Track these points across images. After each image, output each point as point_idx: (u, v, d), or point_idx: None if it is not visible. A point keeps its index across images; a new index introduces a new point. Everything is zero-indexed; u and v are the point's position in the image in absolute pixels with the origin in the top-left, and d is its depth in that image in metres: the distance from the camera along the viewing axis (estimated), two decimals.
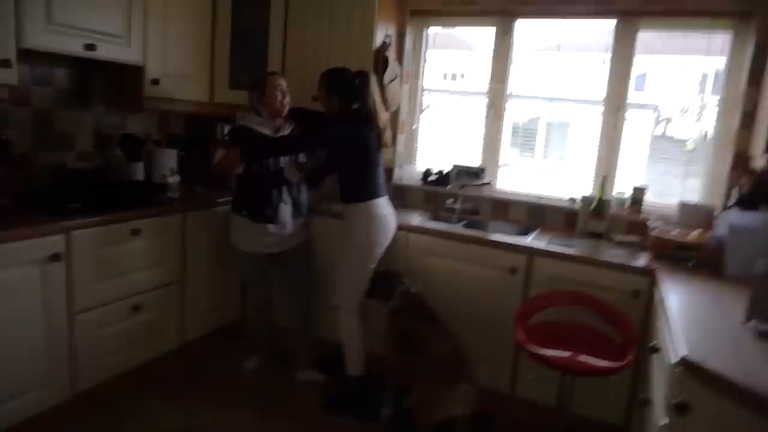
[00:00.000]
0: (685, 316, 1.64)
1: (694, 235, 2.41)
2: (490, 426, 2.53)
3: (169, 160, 3.05)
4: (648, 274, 2.30)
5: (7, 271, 1.97)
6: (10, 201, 2.21)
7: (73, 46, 2.29)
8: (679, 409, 1.34)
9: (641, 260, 2.41)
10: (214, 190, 3.09)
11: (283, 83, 2.65)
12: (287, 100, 2.65)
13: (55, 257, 2.11)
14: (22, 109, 2.48)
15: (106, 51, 2.42)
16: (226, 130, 3.44)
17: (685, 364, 1.33)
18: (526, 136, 3.32)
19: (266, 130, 2.64)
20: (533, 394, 2.58)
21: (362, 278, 2.59)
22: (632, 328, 2.16)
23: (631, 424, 2.37)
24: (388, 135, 2.86)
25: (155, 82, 2.69)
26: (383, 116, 2.67)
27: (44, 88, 2.56)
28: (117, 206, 2.43)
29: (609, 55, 2.90)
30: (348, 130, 2.50)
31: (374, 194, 2.56)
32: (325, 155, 2.69)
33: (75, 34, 2.28)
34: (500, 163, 3.25)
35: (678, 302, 1.78)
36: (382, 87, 2.87)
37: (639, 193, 2.84)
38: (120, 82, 2.75)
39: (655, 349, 1.74)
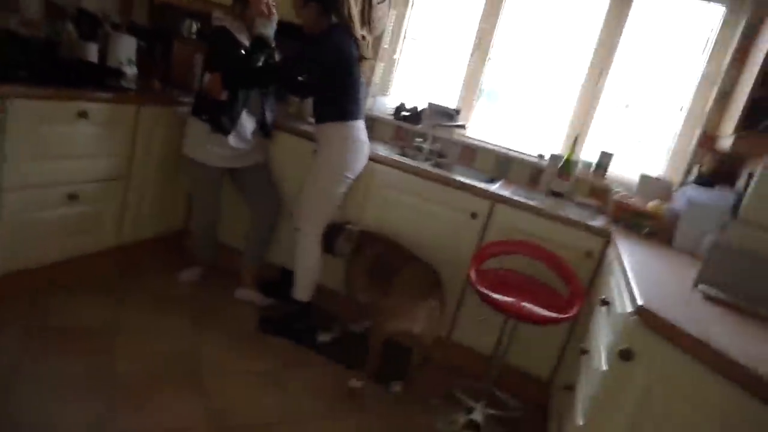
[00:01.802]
0: (639, 274, 1.67)
1: (652, 204, 2.46)
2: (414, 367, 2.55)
3: (127, 48, 2.78)
4: (603, 235, 2.34)
5: None
6: None
7: None
8: (624, 354, 1.37)
9: (599, 222, 2.44)
10: (174, 89, 2.87)
11: None
12: (273, 9, 2.42)
13: None
14: None
15: None
16: (195, 27, 3.21)
17: (641, 312, 1.35)
18: (497, 81, 3.24)
19: (245, 39, 2.45)
20: (469, 341, 2.63)
21: (330, 203, 2.50)
22: (580, 284, 2.21)
23: (556, 377, 2.46)
24: (367, 45, 2.67)
25: None
26: (359, 28, 2.50)
27: None
28: (67, 83, 2.21)
29: (602, 17, 2.86)
30: (333, 48, 2.33)
31: (353, 115, 2.45)
32: (306, 73, 2.49)
33: None
34: (476, 107, 3.19)
35: (633, 262, 1.81)
36: (370, 5, 2.71)
37: (606, 158, 2.87)
38: None
39: (606, 302, 1.78)
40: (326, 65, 2.35)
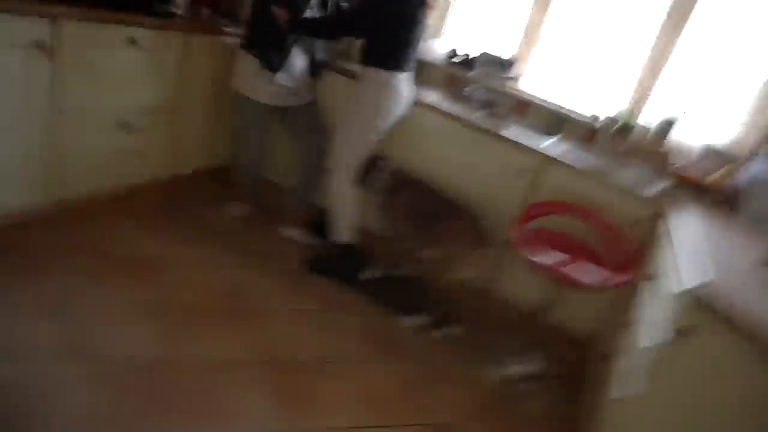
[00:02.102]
0: (698, 248, 1.57)
1: (715, 175, 2.31)
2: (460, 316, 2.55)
3: None
4: (659, 204, 2.22)
5: None
6: None
7: None
8: (677, 333, 1.31)
9: (655, 189, 2.32)
10: (223, 18, 2.79)
11: None
12: None
13: (38, 44, 1.87)
14: None
15: None
16: None
17: (698, 290, 1.28)
18: (556, 33, 3.02)
19: None
20: (511, 295, 2.59)
21: (363, 145, 2.44)
22: (631, 252, 2.13)
23: (594, 341, 2.42)
24: None
25: None
26: None
27: None
28: (114, 6, 2.15)
29: None
30: None
31: (400, 66, 2.34)
32: (362, 9, 2.33)
33: None
34: (532, 59, 3.02)
35: (691, 234, 1.71)
36: None
37: (667, 123, 2.69)
38: None
39: (657, 276, 1.70)
40: (391, 12, 2.24)
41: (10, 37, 1.80)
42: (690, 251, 1.52)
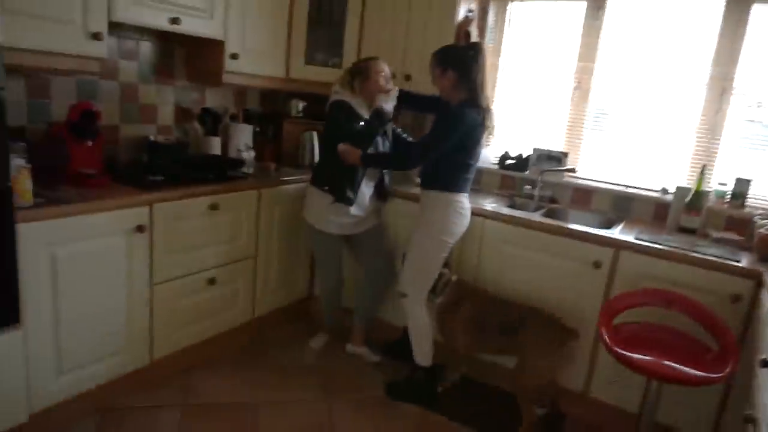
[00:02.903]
0: None
1: None
2: (561, 426, 2.42)
3: (244, 135, 3.07)
4: (752, 276, 2.09)
5: (96, 241, 2.05)
6: (97, 172, 2.27)
7: (160, 20, 2.30)
8: None
9: (744, 261, 2.19)
10: (286, 166, 3.09)
11: (386, 68, 2.57)
12: (391, 84, 2.56)
13: (139, 228, 2.16)
14: (110, 82, 2.54)
15: (189, 25, 2.42)
16: (300, 106, 3.44)
17: None
18: (602, 117, 3.06)
19: (364, 112, 2.56)
20: (609, 397, 2.44)
21: (433, 268, 2.48)
22: (731, 336, 1.98)
23: None
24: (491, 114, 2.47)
25: (234, 56, 2.68)
26: (484, 96, 2.39)
27: (130, 62, 2.61)
28: (196, 180, 2.46)
29: (716, 31, 2.64)
30: (466, 122, 2.30)
31: (463, 188, 2.44)
32: (434, 136, 2.38)
33: (161, 8, 2.29)
34: (583, 146, 3.06)
35: None
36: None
37: (743, 185, 2.59)
38: (200, 56, 2.77)
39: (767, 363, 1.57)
40: (457, 139, 2.31)
41: (120, 224, 2.10)
42: None
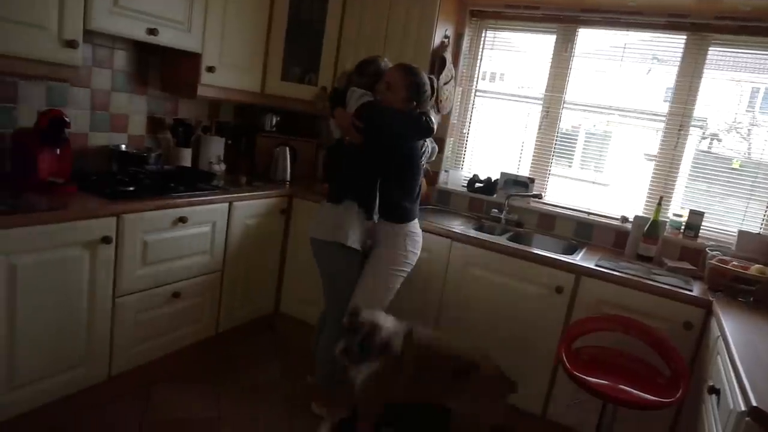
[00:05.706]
0: (751, 358, 1.54)
1: (756, 267, 2.29)
2: None
3: (216, 147, 3.07)
4: (702, 305, 2.20)
5: (58, 251, 1.99)
6: (64, 181, 2.23)
7: (137, 31, 2.30)
8: None
9: (696, 290, 2.30)
10: (257, 180, 3.09)
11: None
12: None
13: (105, 239, 2.13)
14: (82, 89, 2.51)
15: (167, 37, 2.42)
16: (274, 121, 3.45)
17: (756, 415, 1.25)
18: (565, 145, 3.18)
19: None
20: (567, 419, 2.50)
21: (390, 296, 2.42)
22: (683, 362, 2.07)
23: None
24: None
25: (210, 69, 2.69)
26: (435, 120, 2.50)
27: (103, 70, 2.59)
28: (166, 192, 2.44)
29: (675, 69, 2.79)
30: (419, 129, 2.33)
31: (416, 214, 2.44)
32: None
33: (140, 19, 2.29)
34: (550, 173, 3.17)
35: (742, 341, 1.68)
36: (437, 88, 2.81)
37: (696, 218, 2.72)
38: (175, 67, 2.77)
39: (714, 390, 1.65)
40: (406, 137, 2.34)
41: (85, 234, 2.06)
42: (740, 363, 1.49)
